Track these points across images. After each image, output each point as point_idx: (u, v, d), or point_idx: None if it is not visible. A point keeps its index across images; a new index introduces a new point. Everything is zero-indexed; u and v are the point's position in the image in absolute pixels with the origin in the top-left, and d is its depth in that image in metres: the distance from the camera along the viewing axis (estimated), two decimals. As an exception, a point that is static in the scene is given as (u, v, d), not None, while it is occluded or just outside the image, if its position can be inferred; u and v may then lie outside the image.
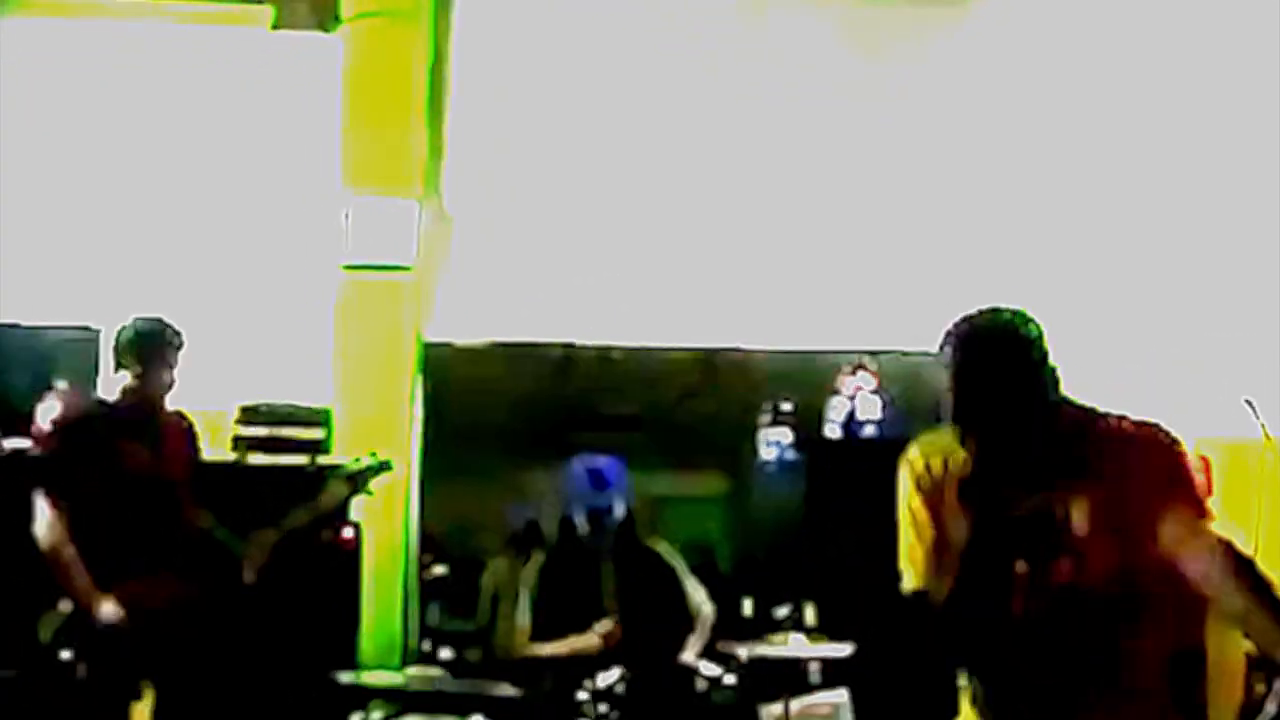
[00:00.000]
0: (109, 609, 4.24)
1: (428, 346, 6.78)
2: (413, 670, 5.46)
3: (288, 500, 4.66)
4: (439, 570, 7.24)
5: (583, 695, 4.88)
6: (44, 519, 4.34)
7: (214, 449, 5.59)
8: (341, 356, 6.56)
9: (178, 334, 4.55)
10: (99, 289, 6.67)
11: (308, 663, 4.85)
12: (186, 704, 4.50)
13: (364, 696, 4.42)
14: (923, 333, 3.55)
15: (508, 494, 6.95)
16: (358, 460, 4.83)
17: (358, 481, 4.72)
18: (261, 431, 5.71)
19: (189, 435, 4.73)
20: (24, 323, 7.38)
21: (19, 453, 5.23)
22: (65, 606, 4.29)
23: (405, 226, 6.63)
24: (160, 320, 4.57)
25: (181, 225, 6.78)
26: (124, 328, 4.56)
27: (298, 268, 6.89)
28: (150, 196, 6.80)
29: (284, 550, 4.49)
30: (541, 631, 5.23)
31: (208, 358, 6.05)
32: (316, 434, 5.78)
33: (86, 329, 6.98)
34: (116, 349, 4.55)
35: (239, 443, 5.69)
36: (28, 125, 6.72)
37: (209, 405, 5.95)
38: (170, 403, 4.71)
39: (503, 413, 7.61)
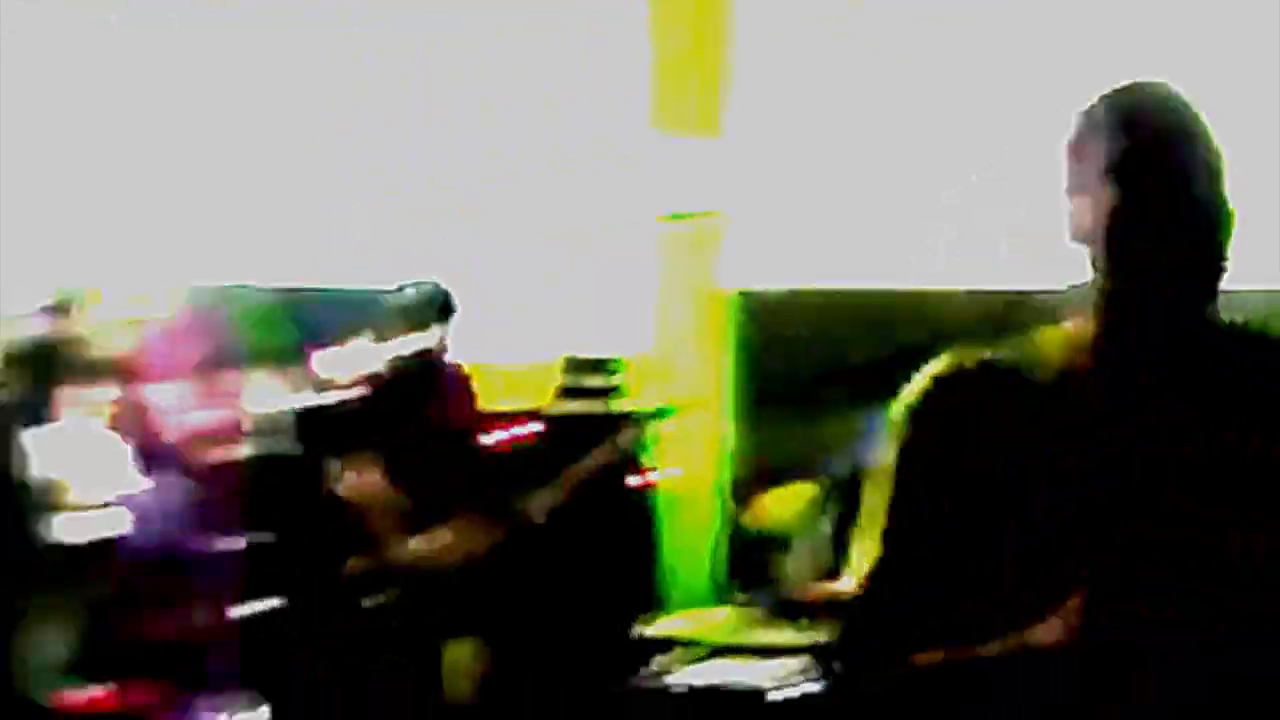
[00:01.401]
0: (414, 555, 4.48)
1: (739, 293, 6.82)
2: (721, 615, 5.51)
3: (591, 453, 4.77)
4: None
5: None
6: (348, 472, 4.65)
7: (537, 400, 5.80)
8: (656, 305, 6.68)
9: (450, 295, 4.83)
10: (416, 249, 6.98)
11: (615, 608, 4.95)
12: (494, 650, 4.68)
13: (671, 642, 4.48)
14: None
15: (816, 440, 6.92)
16: (648, 405, 4.97)
17: (645, 426, 4.85)
18: (571, 381, 5.87)
19: (469, 386, 4.97)
20: (333, 285, 7.82)
21: (322, 409, 5.55)
22: (372, 556, 4.55)
23: (715, 170, 6.67)
24: (436, 283, 4.84)
25: (494, 179, 7.00)
26: (402, 291, 4.84)
27: (611, 216, 7.04)
28: (459, 152, 7.04)
29: (586, 494, 4.61)
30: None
31: (529, 311, 6.26)
32: (619, 383, 5.91)
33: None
34: (398, 311, 4.82)
35: (560, 393, 5.87)
36: (346, 81, 7.05)
37: (531, 357, 6.17)
38: (491, 355, 4.94)
39: (814, 359, 7.58)
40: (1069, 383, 1.80)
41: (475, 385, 5.00)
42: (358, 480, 4.60)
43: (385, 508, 4.59)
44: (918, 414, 1.89)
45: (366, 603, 4.48)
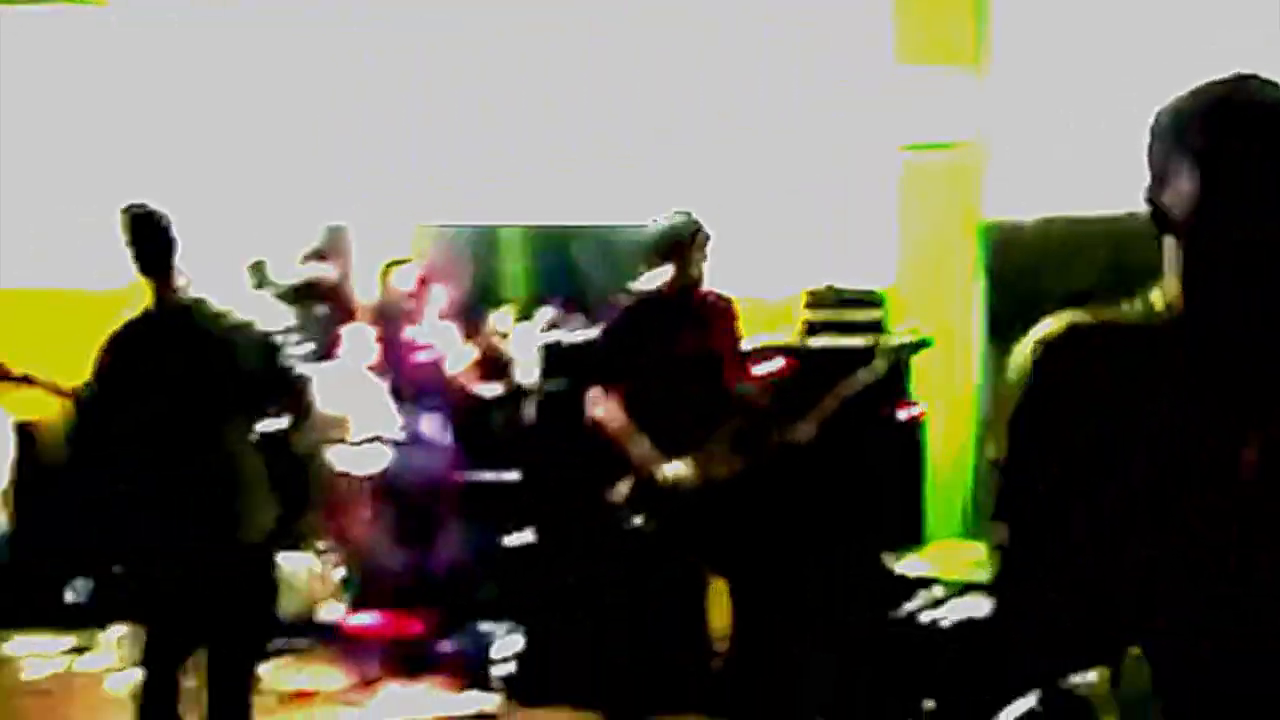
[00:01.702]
0: (672, 473, 4.61)
1: (987, 224, 6.71)
2: (974, 549, 5.48)
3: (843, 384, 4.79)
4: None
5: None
6: (600, 401, 4.79)
7: (781, 333, 5.83)
8: (902, 237, 6.62)
9: (701, 225, 4.87)
10: (667, 185, 7.07)
11: (871, 541, 4.98)
12: (747, 573, 4.76)
13: (925, 578, 4.48)
14: None
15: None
16: (901, 335, 4.95)
17: (898, 356, 4.84)
18: (825, 315, 5.86)
19: (729, 314, 5.03)
20: (595, 222, 7.98)
21: (582, 341, 5.72)
22: (631, 478, 4.69)
23: (962, 101, 6.56)
24: (688, 213, 4.89)
25: (740, 116, 7.04)
26: (657, 222, 4.92)
27: (855, 149, 6.99)
28: (711, 84, 7.10)
29: (841, 425, 4.65)
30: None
31: (774, 244, 6.28)
32: (878, 315, 5.87)
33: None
34: (654, 243, 4.90)
35: (805, 327, 5.87)
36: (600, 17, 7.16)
37: (779, 292, 6.20)
38: (736, 289, 5.02)
39: (1064, 289, 7.40)
40: (1168, 348, 1.81)
41: (737, 313, 5.04)
42: (614, 410, 4.72)
43: (643, 436, 4.70)
44: (1038, 370, 1.87)
45: (630, 528, 4.60)
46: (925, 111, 6.59)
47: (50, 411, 6.49)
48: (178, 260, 4.15)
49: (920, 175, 6.60)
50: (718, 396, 4.80)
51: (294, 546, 6.51)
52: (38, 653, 6.24)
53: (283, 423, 4.11)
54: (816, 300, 5.97)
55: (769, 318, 5.95)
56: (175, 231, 4.16)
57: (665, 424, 4.75)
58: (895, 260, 6.56)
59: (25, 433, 6.81)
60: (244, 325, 4.17)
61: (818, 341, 5.70)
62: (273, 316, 4.16)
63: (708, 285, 4.96)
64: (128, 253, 4.15)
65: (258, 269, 8.09)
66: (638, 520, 4.65)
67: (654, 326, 4.84)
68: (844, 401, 4.69)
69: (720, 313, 4.98)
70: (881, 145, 6.74)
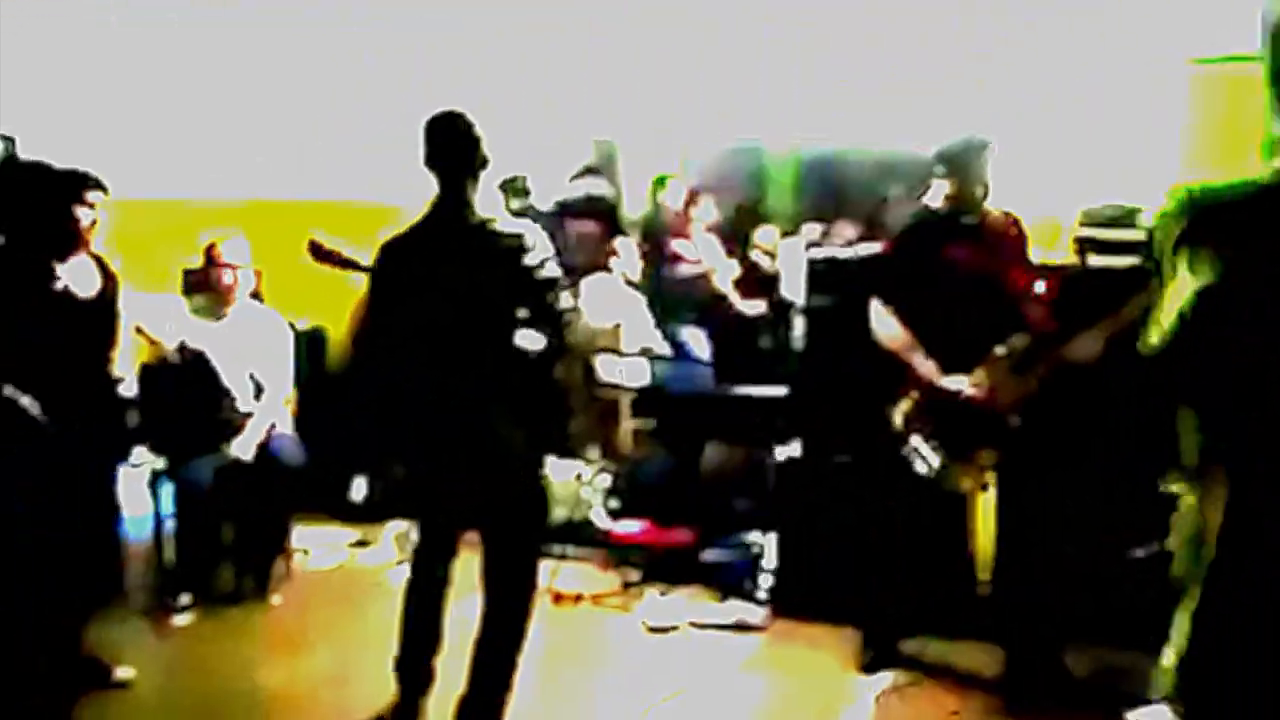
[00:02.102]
0: (958, 385, 4.56)
1: (1273, 139, 6.39)
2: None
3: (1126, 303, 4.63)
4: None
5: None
6: (882, 318, 4.74)
7: (1058, 252, 5.67)
8: (1189, 153, 6.36)
9: (988, 142, 4.73)
10: (945, 103, 6.93)
11: (1144, 464, 4.83)
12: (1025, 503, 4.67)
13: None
14: None
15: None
16: None
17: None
18: (1102, 233, 5.66)
19: (1015, 232, 4.89)
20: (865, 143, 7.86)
21: (865, 259, 5.65)
22: (914, 394, 4.64)
23: (1250, 11, 6.25)
24: (977, 134, 4.77)
25: (1020, 31, 6.84)
26: (949, 142, 4.81)
27: (1143, 62, 6.73)
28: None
29: (1121, 345, 4.51)
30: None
31: (1051, 161, 6.09)
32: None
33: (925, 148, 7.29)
34: (941, 160, 4.79)
35: (1080, 245, 5.69)
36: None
37: (1055, 209, 6.03)
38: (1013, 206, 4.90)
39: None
40: None
41: (1024, 232, 4.89)
42: (896, 327, 4.67)
43: (910, 350, 4.64)
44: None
45: (911, 442, 4.55)
46: (1217, 24, 6.29)
47: (336, 317, 6.82)
48: (475, 171, 4.18)
49: (1207, 89, 6.32)
50: (1001, 316, 4.70)
51: (565, 454, 6.70)
52: (325, 544, 6.60)
53: (541, 346, 4.12)
54: (1090, 219, 5.77)
55: (1047, 235, 5.79)
56: (475, 140, 4.19)
57: (948, 342, 4.67)
58: (1182, 177, 6.32)
59: (312, 338, 7.17)
60: (522, 244, 4.15)
61: (1098, 261, 5.52)
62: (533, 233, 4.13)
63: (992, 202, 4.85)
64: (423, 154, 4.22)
65: (514, 186, 8.21)
66: (917, 440, 4.61)
67: (938, 243, 4.76)
68: (1125, 324, 4.54)
69: (1005, 231, 4.85)
70: (1169, 58, 6.48)
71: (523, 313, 4.12)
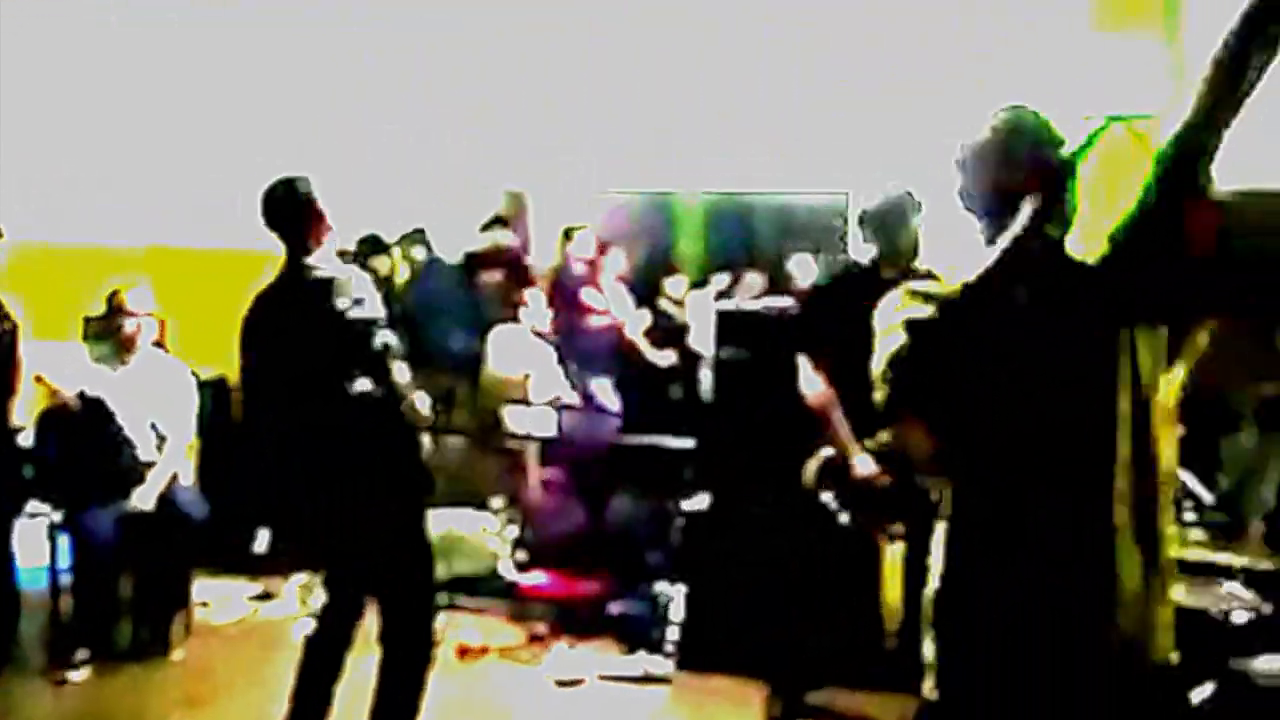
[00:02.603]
0: (865, 459, 4.54)
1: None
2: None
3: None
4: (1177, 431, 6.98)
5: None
6: (809, 375, 4.73)
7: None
8: (1093, 210, 6.50)
9: (917, 202, 4.73)
10: (850, 155, 7.02)
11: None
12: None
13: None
14: None
15: (1262, 356, 6.57)
16: None
17: None
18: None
19: None
20: (775, 191, 7.92)
21: (781, 312, 5.67)
22: (827, 453, 4.64)
23: (1155, 73, 6.40)
24: (902, 189, 4.76)
25: (930, 85, 6.96)
26: (870, 199, 4.82)
27: (1060, 117, 6.88)
28: (885, 53, 7.03)
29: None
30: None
31: (960, 217, 6.15)
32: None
33: (832, 194, 7.40)
34: (863, 220, 4.80)
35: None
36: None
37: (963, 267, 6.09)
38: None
39: (1262, 266, 7.17)
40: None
41: None
42: (820, 384, 4.67)
43: (830, 410, 4.63)
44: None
45: (821, 499, 4.56)
46: (1113, 80, 6.44)
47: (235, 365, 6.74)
48: (313, 227, 4.24)
49: (1105, 144, 6.47)
50: None
51: (470, 505, 6.64)
52: (227, 597, 6.48)
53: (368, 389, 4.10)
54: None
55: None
56: (307, 199, 4.25)
57: (865, 399, 4.65)
58: (1084, 233, 6.44)
59: (216, 387, 7.07)
60: (336, 289, 4.15)
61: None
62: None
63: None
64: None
65: (413, 239, 8.17)
66: (828, 497, 4.60)
67: (859, 299, 4.74)
68: None
69: None
70: (1070, 111, 6.62)
71: (347, 359, 4.13)
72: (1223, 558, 4.23)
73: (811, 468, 4.63)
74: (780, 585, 5.09)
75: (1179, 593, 4.04)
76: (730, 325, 5.89)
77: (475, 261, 8.25)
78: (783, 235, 8.47)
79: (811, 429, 4.67)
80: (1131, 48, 6.40)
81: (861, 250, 4.86)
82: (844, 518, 4.57)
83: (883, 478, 4.54)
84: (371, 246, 7.47)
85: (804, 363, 4.74)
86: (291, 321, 4.21)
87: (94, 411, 5.69)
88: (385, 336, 4.16)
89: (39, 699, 5.17)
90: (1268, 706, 3.80)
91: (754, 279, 8.28)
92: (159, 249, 7.65)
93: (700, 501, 5.81)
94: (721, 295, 8.14)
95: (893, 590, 4.94)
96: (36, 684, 5.32)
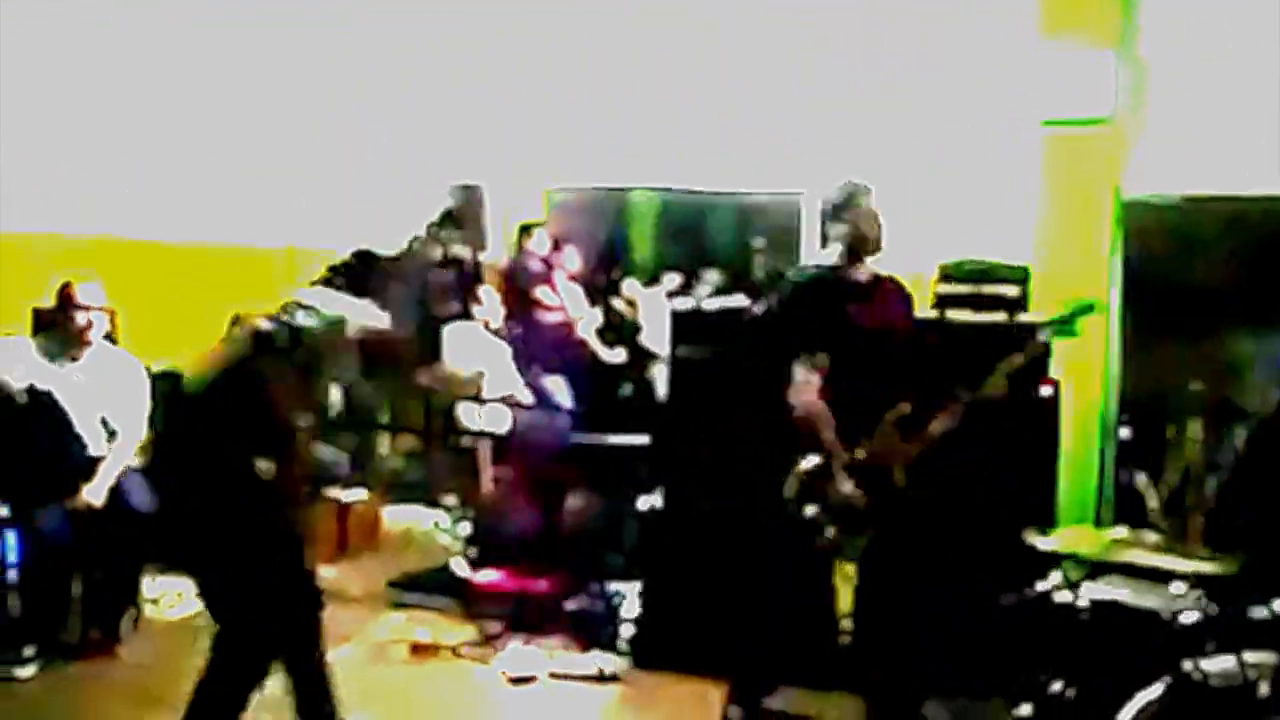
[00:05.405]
0: (844, 473, 4.53)
1: (1127, 202, 6.60)
2: (1108, 533, 5.39)
3: (988, 358, 4.70)
4: (1124, 433, 7.08)
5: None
6: (806, 383, 4.65)
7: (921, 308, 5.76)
8: (1040, 212, 6.55)
9: (869, 186, 4.73)
10: (804, 154, 7.04)
11: (1004, 519, 4.92)
12: (891, 559, 4.68)
13: (1058, 557, 4.41)
14: None
15: (1206, 359, 6.65)
16: (1066, 305, 4.79)
17: (1064, 325, 4.71)
18: (962, 289, 5.77)
19: (905, 296, 4.89)
20: (729, 189, 7.91)
21: (745, 313, 5.67)
22: (808, 464, 4.59)
23: (1103, 78, 6.46)
24: (853, 183, 4.76)
25: (881, 85, 7.01)
26: (831, 191, 4.80)
27: (995, 122, 6.93)
28: (837, 54, 7.08)
29: (980, 407, 4.57)
30: (1240, 508, 5.00)
31: (908, 217, 6.21)
32: (1015, 291, 5.76)
33: (787, 194, 7.41)
34: (829, 210, 4.78)
35: (940, 300, 5.78)
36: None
37: (911, 266, 6.13)
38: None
39: (1206, 271, 7.26)
40: None
41: (909, 294, 4.90)
42: (814, 395, 4.63)
43: (820, 416, 4.58)
44: None
45: (805, 512, 4.54)
46: (1065, 87, 6.50)
47: (190, 359, 6.67)
48: None
49: (1057, 150, 6.52)
50: (896, 375, 4.68)
51: (423, 502, 6.64)
52: (176, 593, 6.41)
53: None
54: (949, 274, 5.87)
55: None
56: None
57: (848, 402, 4.64)
58: (1034, 236, 6.49)
59: (167, 380, 6.99)
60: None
61: (958, 316, 5.61)
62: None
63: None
64: None
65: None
66: (811, 510, 4.57)
67: (838, 300, 4.71)
68: (1010, 376, 4.60)
69: (893, 290, 4.85)
70: (1020, 119, 6.67)
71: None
72: (1169, 560, 4.27)
73: (793, 481, 4.58)
74: (735, 584, 5.10)
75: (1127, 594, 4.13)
76: (686, 324, 5.89)
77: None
78: (738, 233, 8.47)
79: (772, 431, 4.64)
80: (1079, 53, 6.46)
81: (819, 248, 4.86)
82: (829, 532, 4.55)
83: (859, 501, 4.53)
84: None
85: (803, 371, 4.63)
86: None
87: (43, 406, 5.63)
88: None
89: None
90: (1219, 708, 3.85)
91: (708, 277, 8.29)
92: (109, 240, 7.57)
93: (655, 499, 5.82)
94: (674, 294, 8.14)
95: (844, 598, 4.94)
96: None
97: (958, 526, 5.13)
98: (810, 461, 4.56)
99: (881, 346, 4.69)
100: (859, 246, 4.71)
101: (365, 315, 4.22)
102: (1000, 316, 5.56)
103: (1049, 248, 6.47)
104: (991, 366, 4.63)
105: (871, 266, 4.76)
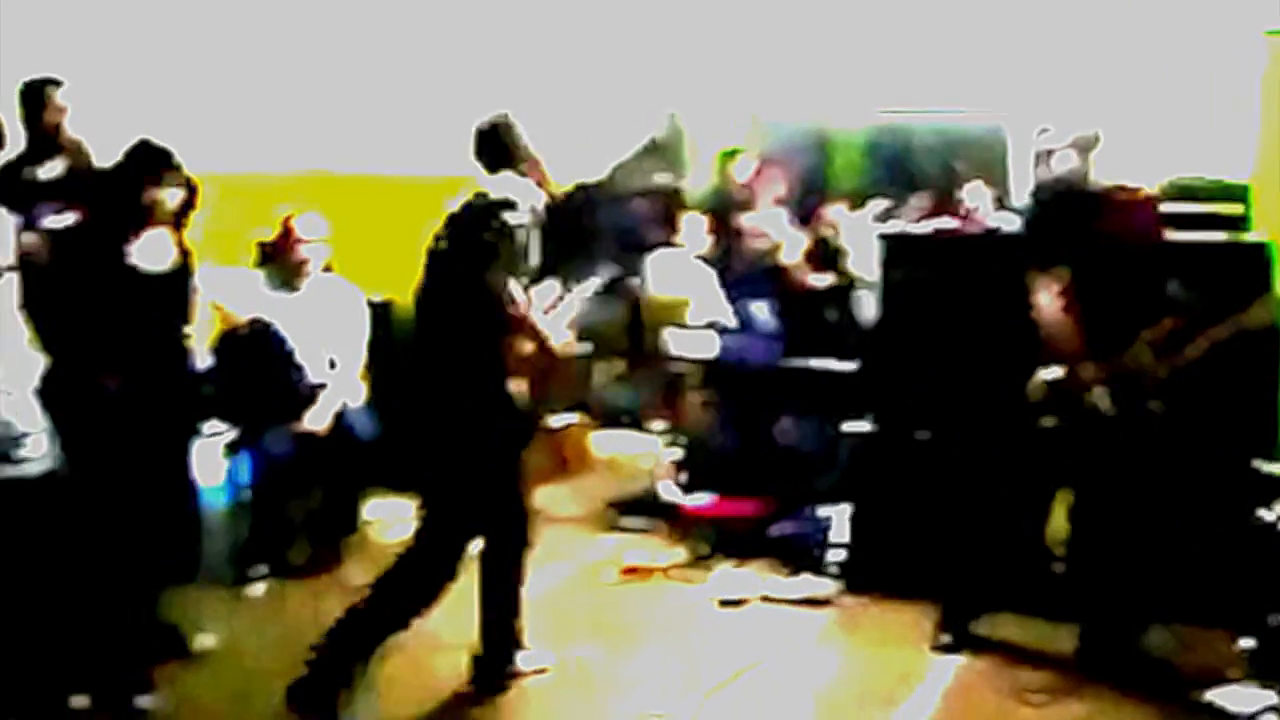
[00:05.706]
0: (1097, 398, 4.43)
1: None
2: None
3: (1204, 281, 4.53)
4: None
5: None
6: (1043, 291, 4.58)
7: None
8: (1263, 129, 6.25)
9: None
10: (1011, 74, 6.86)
11: (1227, 449, 4.75)
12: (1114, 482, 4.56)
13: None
14: None
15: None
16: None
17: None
18: (1182, 208, 5.56)
19: (1154, 208, 4.75)
20: (936, 111, 7.76)
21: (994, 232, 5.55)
22: (1053, 374, 4.50)
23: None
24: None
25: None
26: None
27: (1214, 34, 6.64)
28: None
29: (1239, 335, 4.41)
30: None
31: (1130, 132, 6.00)
32: (1237, 210, 5.54)
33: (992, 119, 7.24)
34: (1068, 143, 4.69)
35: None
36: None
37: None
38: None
39: None
40: None
41: (1155, 206, 4.74)
42: (1044, 300, 4.53)
43: (1064, 327, 4.47)
44: None
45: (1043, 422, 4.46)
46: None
47: (403, 289, 6.83)
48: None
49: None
50: (1147, 291, 4.56)
51: (633, 428, 6.69)
52: (398, 516, 6.61)
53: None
54: (1170, 193, 5.66)
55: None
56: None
57: (1099, 317, 4.54)
58: (1254, 153, 6.21)
59: (380, 310, 7.18)
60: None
61: (1177, 236, 5.42)
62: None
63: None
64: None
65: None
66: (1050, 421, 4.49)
67: (1084, 213, 4.60)
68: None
69: (1145, 205, 4.70)
70: (1247, 30, 6.38)
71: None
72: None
73: (1039, 386, 4.49)
74: (946, 510, 5.04)
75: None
76: (895, 248, 5.82)
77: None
78: (943, 159, 8.29)
79: (996, 352, 4.55)
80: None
81: (1033, 174, 4.75)
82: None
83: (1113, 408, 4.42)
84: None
85: (1041, 280, 4.55)
86: (452, 242, 4.41)
87: (267, 336, 5.84)
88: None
89: (222, 611, 5.34)
90: None
91: (915, 201, 8.14)
92: (324, 175, 7.77)
93: (864, 425, 5.77)
94: (880, 219, 8.01)
95: (1058, 514, 4.84)
96: (220, 596, 5.51)
97: (1186, 450, 4.95)
98: (1053, 372, 4.46)
99: (1126, 259, 4.54)
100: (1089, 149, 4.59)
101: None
102: (1221, 236, 5.35)
103: (1272, 164, 6.19)
104: (1213, 288, 4.47)
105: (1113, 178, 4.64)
